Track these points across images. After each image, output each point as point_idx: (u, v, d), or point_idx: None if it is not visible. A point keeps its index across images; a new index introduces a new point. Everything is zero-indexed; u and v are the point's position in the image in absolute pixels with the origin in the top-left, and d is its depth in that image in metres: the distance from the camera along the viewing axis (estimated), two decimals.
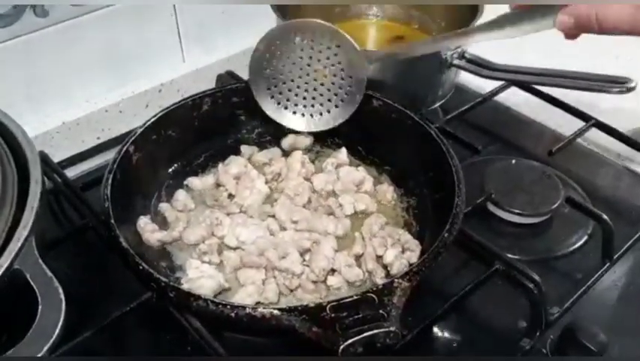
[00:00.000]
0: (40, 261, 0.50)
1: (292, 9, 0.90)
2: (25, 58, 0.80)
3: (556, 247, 0.76)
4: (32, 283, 0.49)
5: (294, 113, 0.80)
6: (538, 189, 0.79)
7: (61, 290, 0.49)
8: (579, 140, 0.87)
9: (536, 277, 0.64)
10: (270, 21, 0.90)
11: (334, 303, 0.54)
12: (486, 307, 0.69)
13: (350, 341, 0.51)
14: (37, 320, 0.47)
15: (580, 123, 0.88)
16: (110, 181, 0.66)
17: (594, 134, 0.87)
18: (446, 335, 0.66)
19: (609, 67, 0.80)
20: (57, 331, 0.47)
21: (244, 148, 0.82)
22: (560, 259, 0.75)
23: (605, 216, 0.72)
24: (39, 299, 0.48)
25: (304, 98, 0.79)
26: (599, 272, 0.72)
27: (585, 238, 0.76)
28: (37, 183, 0.54)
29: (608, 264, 0.72)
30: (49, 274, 0.50)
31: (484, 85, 0.94)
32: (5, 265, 0.49)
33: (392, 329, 0.52)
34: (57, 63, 0.83)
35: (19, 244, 0.50)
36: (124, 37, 0.88)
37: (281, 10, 0.86)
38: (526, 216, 0.77)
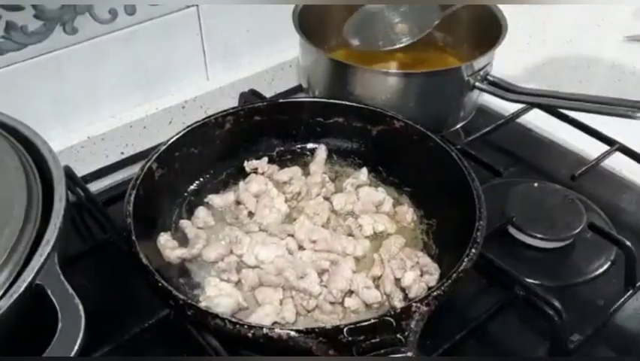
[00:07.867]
0: (62, 277, 0.51)
1: (315, 29, 0.92)
2: (54, 74, 0.82)
3: (578, 273, 0.75)
4: (53, 299, 0.49)
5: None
6: (560, 213, 0.78)
7: (81, 307, 0.49)
8: (603, 164, 0.86)
9: (557, 304, 0.63)
10: (293, 41, 0.91)
11: (352, 326, 0.54)
12: (505, 333, 0.68)
13: None
14: (56, 336, 0.48)
15: (604, 147, 0.87)
16: (132, 198, 0.67)
17: (618, 158, 0.86)
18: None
19: (633, 91, 0.80)
20: (76, 348, 0.47)
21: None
22: (582, 285, 0.73)
23: (628, 243, 0.71)
24: (59, 315, 0.49)
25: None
26: (622, 299, 0.70)
27: (608, 264, 0.75)
28: (61, 200, 0.55)
29: (630, 291, 0.71)
30: (71, 290, 0.50)
31: (506, 106, 0.94)
32: (28, 281, 0.49)
33: (409, 354, 0.51)
34: (85, 79, 0.85)
35: (42, 260, 0.50)
36: (150, 55, 0.89)
37: (304, 31, 0.87)
38: (548, 241, 0.76)
